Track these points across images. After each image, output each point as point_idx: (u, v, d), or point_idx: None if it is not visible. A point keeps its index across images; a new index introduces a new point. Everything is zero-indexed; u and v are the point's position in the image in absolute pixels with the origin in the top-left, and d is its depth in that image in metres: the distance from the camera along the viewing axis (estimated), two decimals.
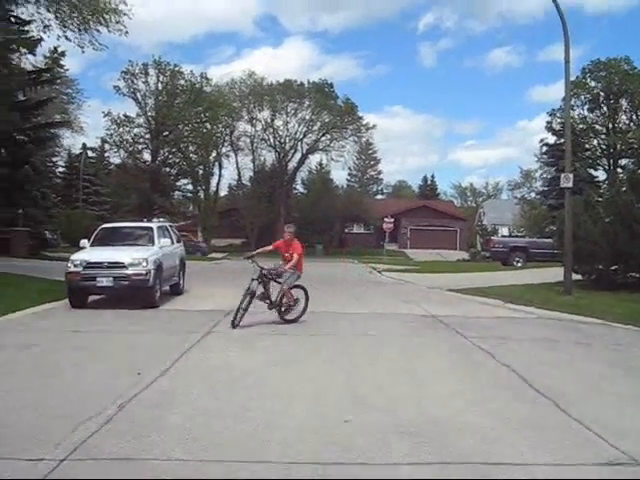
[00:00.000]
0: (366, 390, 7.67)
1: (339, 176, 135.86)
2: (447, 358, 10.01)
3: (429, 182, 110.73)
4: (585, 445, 5.79)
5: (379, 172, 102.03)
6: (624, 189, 22.96)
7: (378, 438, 5.87)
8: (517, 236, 50.25)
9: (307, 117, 66.74)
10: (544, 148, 58.67)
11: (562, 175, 20.41)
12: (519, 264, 37.42)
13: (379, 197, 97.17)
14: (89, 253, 16.36)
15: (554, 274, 24.12)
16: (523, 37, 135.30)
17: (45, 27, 27.15)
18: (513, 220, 64.94)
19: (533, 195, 67.67)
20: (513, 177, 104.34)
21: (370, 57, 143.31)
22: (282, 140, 67.52)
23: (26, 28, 30.75)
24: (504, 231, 63.18)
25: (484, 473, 5.09)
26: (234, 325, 12.31)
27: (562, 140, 50.47)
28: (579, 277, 21.78)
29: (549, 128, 56.38)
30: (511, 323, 14.52)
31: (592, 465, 5.30)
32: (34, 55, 32.95)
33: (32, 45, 29.62)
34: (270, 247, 14.22)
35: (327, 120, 66.09)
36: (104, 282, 15.48)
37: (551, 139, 56.78)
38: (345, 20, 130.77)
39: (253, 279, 13.11)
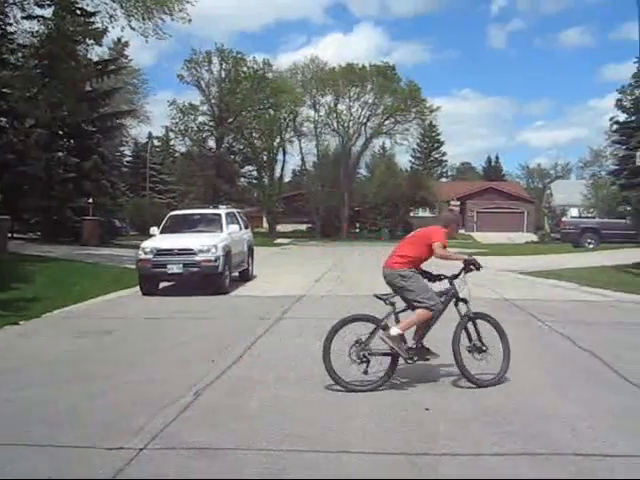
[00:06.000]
0: (446, 377, 7.47)
1: (402, 159, 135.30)
2: (526, 343, 9.65)
3: (493, 163, 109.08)
4: None
5: (443, 154, 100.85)
6: None
7: (461, 426, 5.69)
8: (588, 217, 48.95)
9: (370, 101, 66.18)
10: (614, 126, 56.99)
11: (638, 153, 19.77)
12: (591, 246, 36.44)
13: (443, 180, 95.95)
14: (159, 240, 16.49)
15: (628, 255, 23.53)
16: (596, 16, 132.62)
17: (110, 17, 27.34)
18: (582, 201, 63.28)
19: (603, 174, 65.80)
20: (583, 157, 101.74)
21: (439, 42, 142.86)
22: (345, 124, 67.11)
23: (91, 20, 31.20)
24: (574, 212, 61.67)
25: (576, 465, 4.83)
26: None
27: (633, 117, 49.00)
28: None
29: (619, 105, 54.71)
30: (588, 306, 14.07)
31: None
32: (100, 46, 33.51)
33: (98, 36, 29.99)
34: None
35: (390, 103, 65.40)
36: (174, 269, 15.60)
37: (621, 117, 55.12)
38: (415, 6, 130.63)
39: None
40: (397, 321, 7.21)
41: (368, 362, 7.01)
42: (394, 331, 7.03)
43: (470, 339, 7.26)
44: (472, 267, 7.40)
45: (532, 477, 4.67)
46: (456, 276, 7.44)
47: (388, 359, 7.09)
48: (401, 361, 7.11)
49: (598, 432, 5.53)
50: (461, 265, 7.43)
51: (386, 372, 7.04)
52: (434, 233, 7.43)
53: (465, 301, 7.35)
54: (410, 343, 7.22)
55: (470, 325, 7.30)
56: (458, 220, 7.89)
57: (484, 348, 7.24)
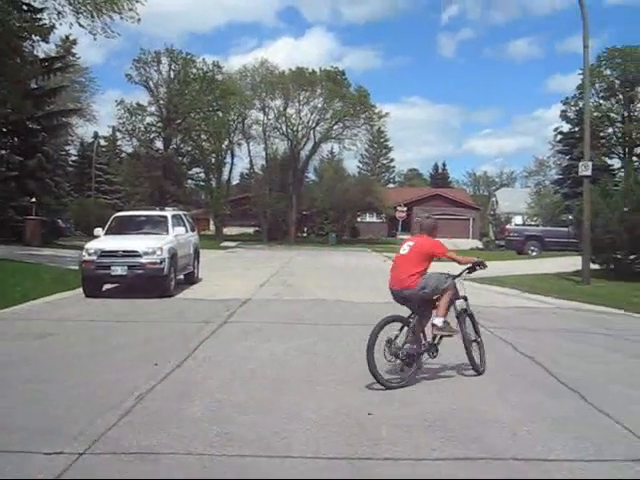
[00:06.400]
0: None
1: (351, 165, 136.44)
2: None
3: (440, 170, 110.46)
4: (616, 440, 5.60)
5: (391, 160, 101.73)
6: None
7: (404, 431, 5.73)
8: (531, 225, 49.87)
9: (319, 105, 66.21)
10: (558, 136, 58.21)
11: (580, 163, 20.20)
12: (534, 253, 37.15)
13: (391, 186, 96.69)
14: (104, 242, 16.27)
15: (570, 263, 23.98)
16: (543, 28, 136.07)
17: (58, 14, 26.87)
18: (526, 209, 64.48)
19: (547, 183, 67.23)
20: (528, 166, 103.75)
21: (389, 49, 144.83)
22: (294, 128, 67.00)
23: (38, 16, 30.63)
24: (518, 220, 62.80)
25: (515, 469, 4.93)
26: None
27: (577, 128, 50.15)
28: (596, 266, 21.57)
29: (564, 116, 55.97)
30: (530, 313, 14.34)
31: (625, 461, 5.12)
32: (47, 43, 32.83)
33: (45, 32, 29.41)
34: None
35: (339, 108, 65.55)
36: (119, 271, 15.40)
37: (565, 127, 56.38)
38: (367, 13, 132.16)
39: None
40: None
41: (404, 359, 7.39)
42: (438, 320, 7.73)
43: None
44: (478, 267, 8.17)
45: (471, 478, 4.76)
46: (456, 276, 8.11)
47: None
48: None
49: (537, 437, 5.64)
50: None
51: (414, 369, 7.53)
52: (434, 247, 7.98)
53: (465, 298, 8.19)
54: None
55: (468, 320, 8.20)
56: (437, 224, 8.42)
57: (479, 340, 8.23)
